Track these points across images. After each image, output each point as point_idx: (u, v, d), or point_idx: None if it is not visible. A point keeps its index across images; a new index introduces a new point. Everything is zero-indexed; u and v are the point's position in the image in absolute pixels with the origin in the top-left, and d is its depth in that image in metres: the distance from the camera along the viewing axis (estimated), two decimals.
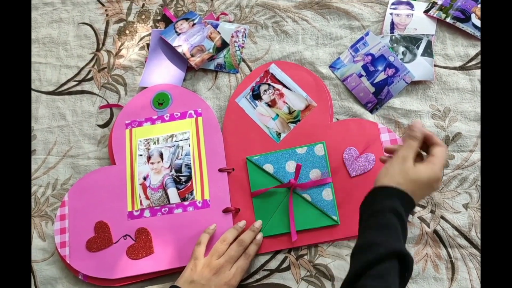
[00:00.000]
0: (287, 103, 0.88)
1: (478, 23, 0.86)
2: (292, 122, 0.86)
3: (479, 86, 0.83)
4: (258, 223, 0.81)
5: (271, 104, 0.88)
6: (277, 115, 0.87)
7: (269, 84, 0.90)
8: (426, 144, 0.69)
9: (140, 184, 0.86)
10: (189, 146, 0.88)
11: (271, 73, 0.91)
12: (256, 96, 0.90)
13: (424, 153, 0.70)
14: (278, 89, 0.89)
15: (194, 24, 0.96)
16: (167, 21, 1.00)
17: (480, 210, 0.77)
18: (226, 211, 0.83)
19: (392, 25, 0.90)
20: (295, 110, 0.87)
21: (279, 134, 0.86)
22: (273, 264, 0.80)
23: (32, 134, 0.97)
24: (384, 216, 0.61)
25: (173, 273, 0.82)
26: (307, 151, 0.83)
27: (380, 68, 0.87)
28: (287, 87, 0.89)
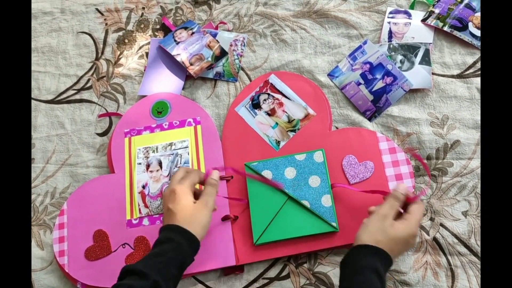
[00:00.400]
0: (286, 112, 0.88)
1: (475, 31, 0.87)
2: (291, 131, 0.87)
3: (477, 94, 0.83)
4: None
5: (271, 113, 0.89)
6: (277, 123, 0.88)
7: (268, 94, 0.90)
8: (405, 202, 0.71)
9: (139, 193, 0.86)
10: (188, 154, 0.88)
11: (271, 83, 0.91)
12: (255, 105, 0.90)
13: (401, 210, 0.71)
14: (277, 99, 0.90)
15: (193, 33, 0.97)
16: (166, 30, 1.01)
17: (479, 218, 0.77)
18: (225, 218, 0.82)
19: (390, 34, 0.90)
20: (294, 119, 0.87)
21: (278, 142, 0.86)
22: (272, 273, 0.80)
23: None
24: (364, 275, 0.62)
25: None
26: (306, 158, 0.83)
27: (378, 76, 0.87)
28: (286, 97, 0.89)
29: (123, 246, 0.83)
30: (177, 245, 0.67)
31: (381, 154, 0.82)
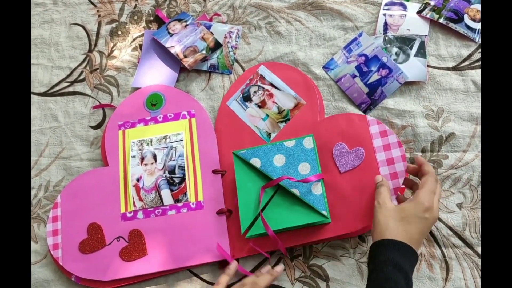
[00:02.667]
0: (276, 103, 0.88)
1: (471, 23, 0.87)
2: (282, 122, 0.86)
3: (472, 86, 0.83)
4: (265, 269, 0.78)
5: (261, 105, 0.88)
6: (267, 115, 0.87)
7: (258, 86, 0.90)
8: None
9: (133, 186, 0.86)
10: (183, 147, 0.87)
11: (260, 75, 0.90)
12: (246, 98, 0.89)
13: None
14: (267, 90, 0.89)
15: (186, 25, 0.96)
16: (159, 21, 1.00)
17: (473, 210, 0.77)
18: (219, 212, 0.82)
19: (386, 26, 0.90)
20: (284, 109, 0.87)
21: (269, 134, 0.86)
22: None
23: None
24: (382, 271, 0.60)
25: (167, 275, 0.81)
26: (295, 144, 0.81)
27: (374, 68, 0.87)
28: (276, 87, 0.89)
29: (118, 239, 0.83)
30: None
31: (372, 138, 0.80)
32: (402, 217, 0.64)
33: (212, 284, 0.80)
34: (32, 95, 0.99)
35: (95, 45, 1.01)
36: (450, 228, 0.77)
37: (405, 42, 0.88)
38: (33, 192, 0.92)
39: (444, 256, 0.76)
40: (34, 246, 0.88)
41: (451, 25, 0.87)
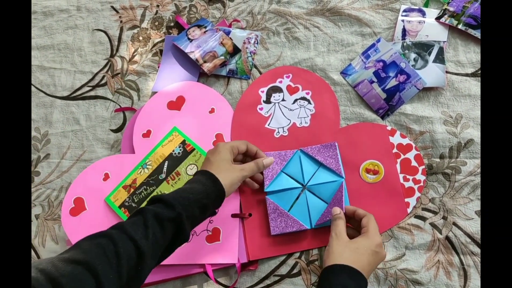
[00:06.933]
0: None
1: None
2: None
3: None
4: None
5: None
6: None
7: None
8: (356, 220, 0.75)
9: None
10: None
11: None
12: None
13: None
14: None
15: (206, 31, 0.97)
16: (180, 27, 1.02)
17: None
18: (235, 216, 0.83)
19: (404, 32, 0.90)
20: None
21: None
22: (283, 270, 0.80)
23: (46, 139, 0.98)
24: None
25: (184, 278, 0.82)
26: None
27: (392, 74, 0.87)
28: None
29: None
30: (205, 188, 0.69)
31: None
32: (356, 248, 0.68)
33: (227, 287, 0.81)
34: (55, 99, 1.01)
35: (117, 50, 1.03)
36: (469, 236, 0.76)
37: (423, 48, 0.88)
38: (54, 193, 0.94)
39: (462, 263, 0.75)
40: (54, 246, 0.90)
41: (470, 31, 0.87)
